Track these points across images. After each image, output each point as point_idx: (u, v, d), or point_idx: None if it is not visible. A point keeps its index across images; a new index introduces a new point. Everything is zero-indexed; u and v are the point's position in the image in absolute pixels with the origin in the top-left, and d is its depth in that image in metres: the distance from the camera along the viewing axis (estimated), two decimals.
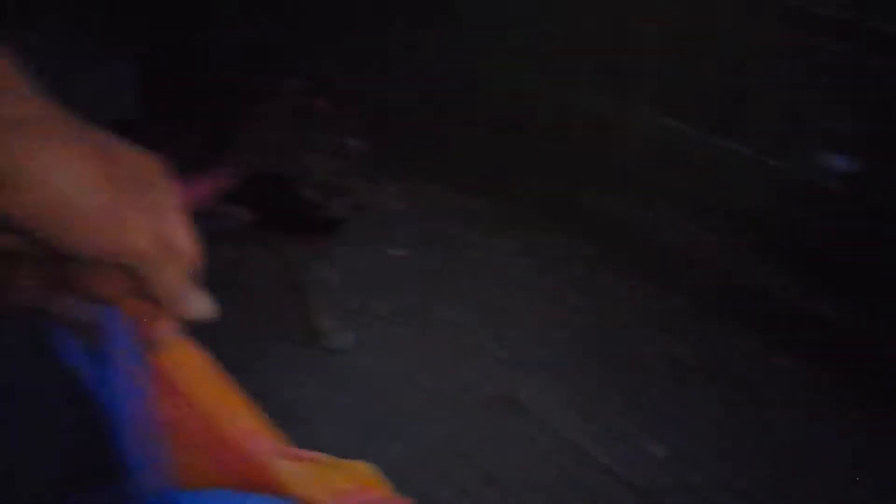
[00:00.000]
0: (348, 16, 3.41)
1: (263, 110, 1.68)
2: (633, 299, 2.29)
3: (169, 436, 0.48)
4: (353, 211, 1.72)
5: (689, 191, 2.49)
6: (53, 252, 0.38)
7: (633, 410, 1.90)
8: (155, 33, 3.55)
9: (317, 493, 0.52)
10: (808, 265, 2.20)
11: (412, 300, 2.21)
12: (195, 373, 0.53)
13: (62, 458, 0.51)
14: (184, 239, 0.43)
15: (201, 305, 0.45)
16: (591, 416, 1.88)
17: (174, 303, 0.43)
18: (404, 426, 1.81)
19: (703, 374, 2.04)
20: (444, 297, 2.24)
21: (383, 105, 3.03)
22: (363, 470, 0.58)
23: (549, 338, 2.12)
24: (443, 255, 2.41)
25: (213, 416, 0.52)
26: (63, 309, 0.42)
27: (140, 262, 0.40)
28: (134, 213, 0.40)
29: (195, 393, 0.51)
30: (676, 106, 2.49)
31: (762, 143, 2.32)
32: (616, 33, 2.57)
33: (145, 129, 2.14)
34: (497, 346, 2.08)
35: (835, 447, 1.86)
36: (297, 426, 1.73)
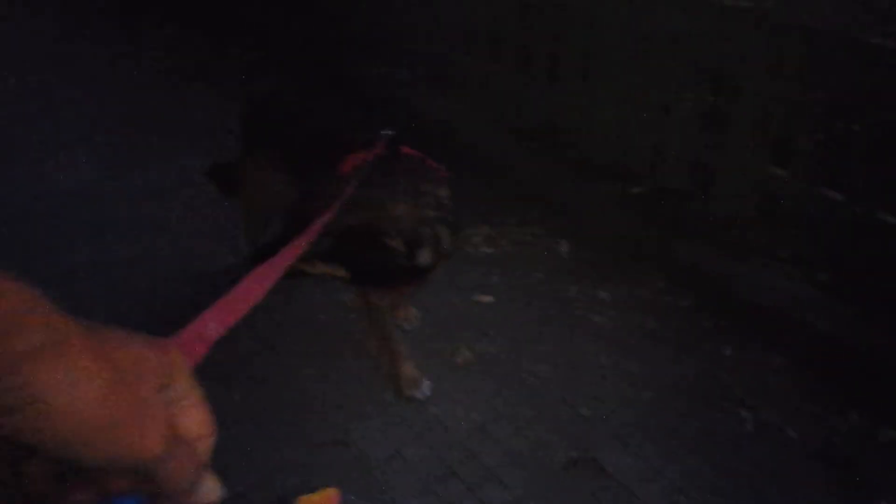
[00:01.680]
0: (452, 56, 3.47)
1: (356, 160, 1.71)
2: (729, 360, 2.16)
3: None
4: (440, 258, 1.72)
5: (791, 245, 2.35)
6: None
7: (725, 486, 1.79)
8: (265, 75, 3.76)
9: None
10: None
11: (495, 349, 2.18)
12: None
13: None
14: (197, 428, 0.45)
15: (210, 491, 0.46)
16: (678, 488, 1.78)
17: (183, 493, 0.44)
18: (478, 483, 1.78)
19: (804, 448, 1.89)
20: (529, 347, 2.19)
21: (474, 145, 3.05)
22: None
23: (637, 397, 2.02)
24: (529, 303, 2.37)
25: None
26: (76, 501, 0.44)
27: (150, 462, 0.42)
28: (145, 417, 0.41)
29: None
30: (782, 154, 2.36)
31: (872, 197, 2.16)
32: (716, 77, 2.48)
33: (242, 173, 2.23)
34: (581, 402, 2.00)
35: None
36: (369, 474, 1.76)
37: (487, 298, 2.38)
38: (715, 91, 2.53)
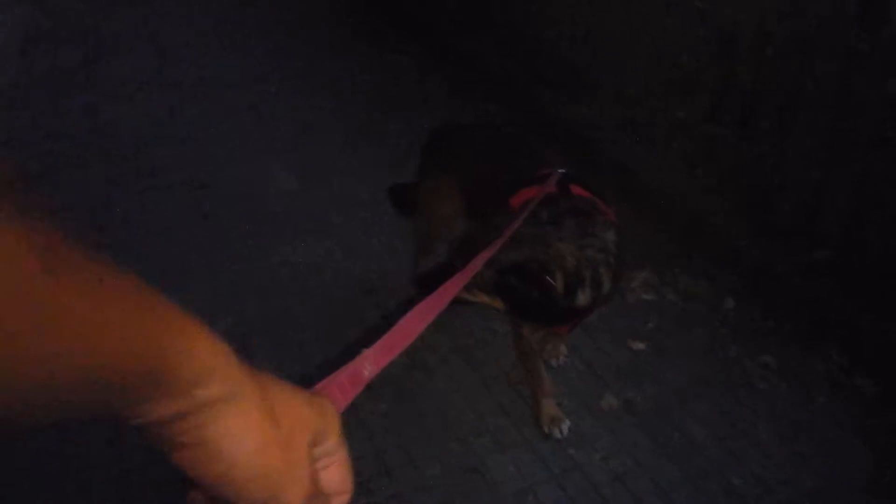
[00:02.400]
0: (644, 99, 3.43)
1: (527, 195, 1.74)
2: None
3: None
4: (599, 302, 1.69)
5: None
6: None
7: None
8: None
9: None
10: None
11: (643, 400, 2.09)
12: None
13: None
14: (339, 485, 0.49)
15: None
16: None
17: None
18: None
19: None
20: (681, 403, 2.08)
21: (657, 190, 2.98)
22: None
23: (799, 479, 1.85)
24: (686, 358, 2.26)
25: None
26: None
27: None
28: (294, 471, 0.45)
29: None
30: None
31: None
32: None
33: (417, 197, 2.31)
34: (733, 474, 1.87)
35: None
36: None
37: (641, 346, 2.29)
38: None
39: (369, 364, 0.62)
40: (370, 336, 0.63)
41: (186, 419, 0.39)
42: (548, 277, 1.60)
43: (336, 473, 0.50)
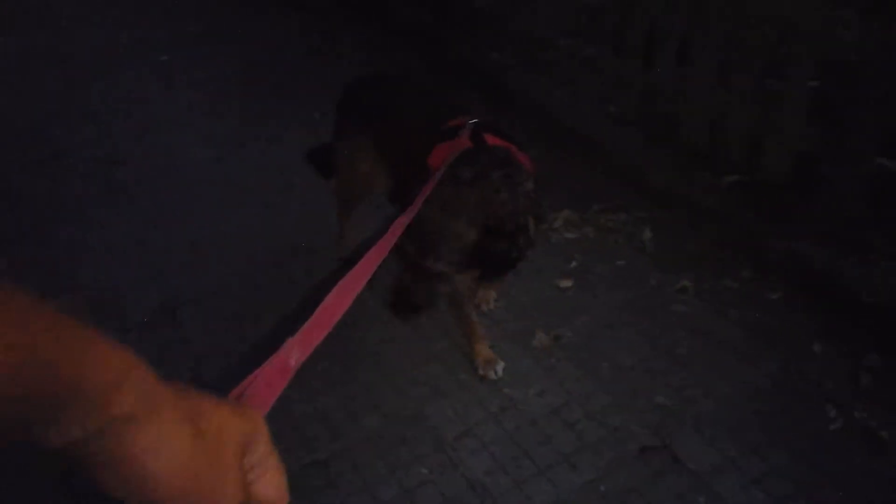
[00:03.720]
0: (550, 38, 3.46)
1: (442, 151, 1.75)
2: (819, 356, 2.07)
3: None
4: (528, 247, 1.73)
5: None
6: None
7: (807, 482, 1.73)
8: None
9: None
10: None
11: (573, 334, 2.18)
12: None
13: None
14: (273, 493, 0.48)
15: None
16: (755, 480, 1.74)
17: None
18: (550, 465, 1.80)
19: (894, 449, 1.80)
20: (608, 333, 2.18)
21: (571, 129, 3.04)
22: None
23: (717, 389, 1.98)
24: (609, 290, 2.35)
25: None
26: None
27: None
28: (224, 482, 0.44)
29: None
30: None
31: None
32: (827, 63, 2.35)
33: (335, 158, 2.29)
34: (658, 391, 1.98)
35: None
36: (442, 450, 1.81)
37: (567, 283, 2.38)
38: (824, 77, 2.40)
39: (296, 352, 0.61)
40: (296, 315, 0.63)
41: (103, 437, 0.38)
42: (491, 232, 1.62)
43: (270, 482, 0.49)
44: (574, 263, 2.46)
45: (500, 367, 2.04)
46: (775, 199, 2.47)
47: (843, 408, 1.91)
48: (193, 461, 0.42)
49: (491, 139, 1.76)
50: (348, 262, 0.86)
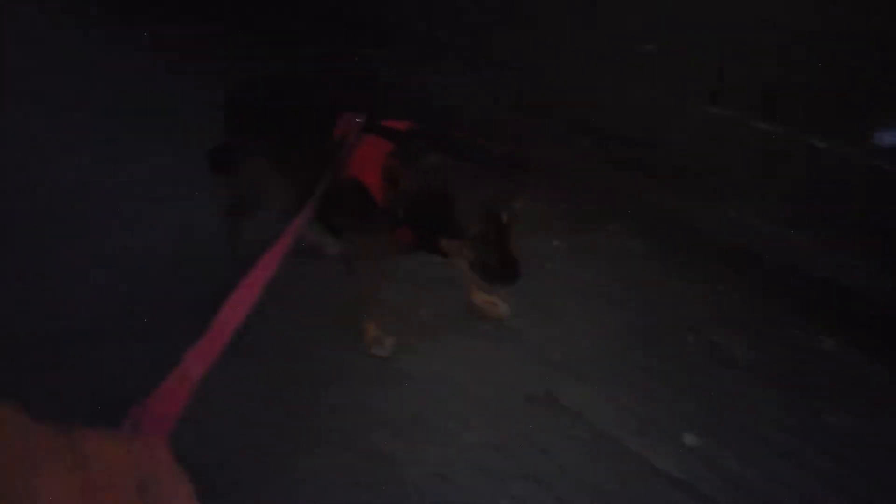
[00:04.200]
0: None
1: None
2: (683, 293, 2.27)
3: None
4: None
5: (748, 185, 2.43)
6: None
7: (678, 404, 1.91)
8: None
9: None
10: (872, 249, 2.13)
11: (455, 303, 2.29)
12: None
13: None
14: None
15: None
16: (631, 411, 1.90)
17: None
18: (442, 423, 1.91)
19: (752, 368, 2.01)
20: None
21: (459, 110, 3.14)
22: None
23: (590, 331, 2.14)
24: None
25: None
26: None
27: None
28: None
29: None
30: (721, 93, 2.46)
31: (811, 126, 2.26)
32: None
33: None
34: (535, 339, 2.12)
35: (887, 438, 1.80)
36: (342, 428, 1.88)
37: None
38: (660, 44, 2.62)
39: (196, 364, 0.60)
40: (194, 327, 0.64)
41: None
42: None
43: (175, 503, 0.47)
44: None
45: (389, 343, 2.12)
46: (635, 158, 2.67)
47: (701, 333, 2.11)
48: (79, 501, 0.40)
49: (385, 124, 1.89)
50: (243, 269, 0.87)
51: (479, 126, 3.03)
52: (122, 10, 4.58)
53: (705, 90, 2.47)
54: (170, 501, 0.46)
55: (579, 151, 2.79)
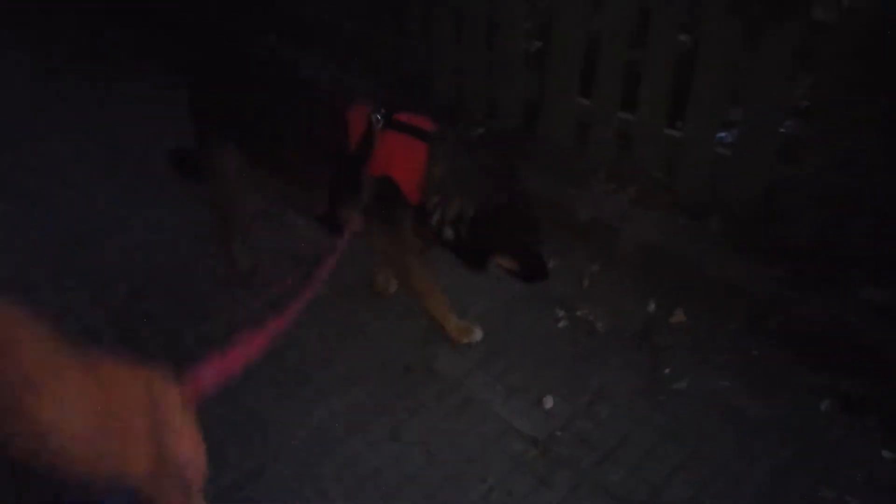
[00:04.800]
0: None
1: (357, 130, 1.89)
2: (552, 269, 2.44)
3: None
4: None
5: (608, 166, 2.65)
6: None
7: (541, 371, 2.10)
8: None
9: None
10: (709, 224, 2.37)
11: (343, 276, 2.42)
12: None
13: None
14: (187, 453, 0.48)
15: None
16: (497, 377, 2.09)
17: None
18: (329, 388, 2.05)
19: (609, 336, 2.21)
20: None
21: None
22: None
23: (464, 308, 2.30)
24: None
25: None
26: None
27: (137, 480, 0.45)
28: (130, 438, 0.44)
29: None
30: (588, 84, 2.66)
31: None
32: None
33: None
34: (421, 322, 2.27)
35: (721, 397, 2.02)
36: (224, 395, 1.99)
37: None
38: (539, 34, 2.81)
39: (209, 377, 0.62)
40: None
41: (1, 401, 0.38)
42: None
43: (182, 442, 0.49)
44: None
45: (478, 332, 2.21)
46: (510, 142, 2.86)
47: (568, 308, 2.31)
48: (97, 417, 0.41)
49: (405, 119, 1.91)
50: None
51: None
52: None
53: (576, 82, 2.67)
54: (177, 427, 0.47)
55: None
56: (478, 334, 2.19)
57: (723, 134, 2.39)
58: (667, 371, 2.09)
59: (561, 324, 2.27)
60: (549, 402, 2.01)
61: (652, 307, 2.29)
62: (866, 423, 1.91)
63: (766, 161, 2.25)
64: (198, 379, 0.59)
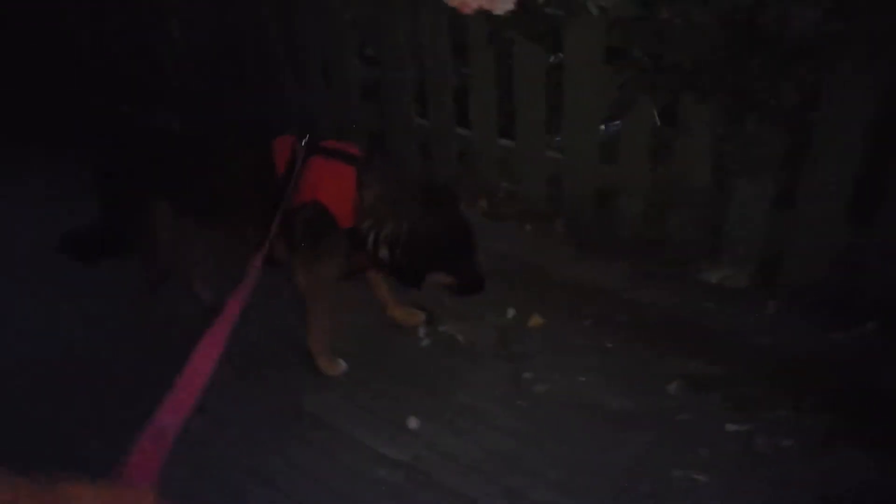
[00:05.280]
0: None
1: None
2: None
3: None
4: None
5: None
6: None
7: (404, 395, 2.12)
8: None
9: None
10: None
11: None
12: None
13: None
14: None
15: None
16: (364, 407, 2.08)
17: None
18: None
19: (470, 352, 2.25)
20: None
21: None
22: None
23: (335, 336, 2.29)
24: None
25: None
26: None
27: None
28: None
29: None
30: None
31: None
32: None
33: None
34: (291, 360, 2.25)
35: (580, 398, 2.09)
36: None
37: None
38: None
39: (169, 418, 0.60)
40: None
41: None
42: None
43: None
44: None
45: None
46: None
47: (433, 325, 2.33)
48: None
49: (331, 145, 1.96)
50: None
51: None
52: None
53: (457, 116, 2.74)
54: None
55: None
56: (342, 367, 2.20)
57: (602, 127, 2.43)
58: (527, 376, 2.14)
59: (424, 342, 2.29)
60: (413, 423, 2.03)
61: (511, 314, 2.34)
62: (711, 400, 2.02)
63: (591, 164, 2.34)
64: (155, 435, 0.58)
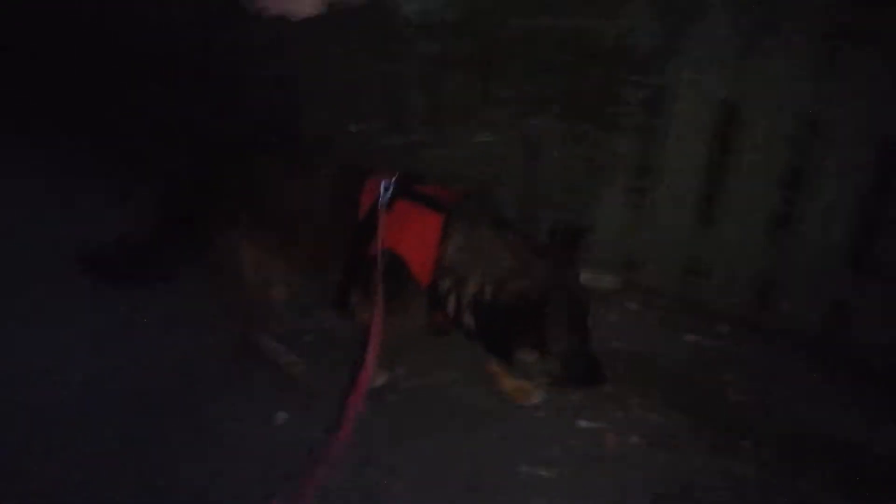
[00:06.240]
0: None
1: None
2: None
3: None
4: None
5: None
6: None
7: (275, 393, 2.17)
8: None
9: None
10: None
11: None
12: None
13: None
14: None
15: None
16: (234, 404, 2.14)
17: None
18: None
19: (350, 345, 2.28)
20: None
21: None
22: None
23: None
24: None
25: None
26: None
27: None
28: None
29: None
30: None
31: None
32: None
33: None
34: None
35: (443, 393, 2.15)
36: None
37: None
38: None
39: None
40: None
41: None
42: None
43: None
44: None
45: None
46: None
47: (316, 320, 2.38)
48: None
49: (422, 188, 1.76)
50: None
51: None
52: None
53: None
54: None
55: None
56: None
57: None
58: (400, 371, 2.21)
59: (307, 337, 2.35)
60: (280, 417, 2.08)
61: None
62: (568, 397, 2.11)
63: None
64: None
